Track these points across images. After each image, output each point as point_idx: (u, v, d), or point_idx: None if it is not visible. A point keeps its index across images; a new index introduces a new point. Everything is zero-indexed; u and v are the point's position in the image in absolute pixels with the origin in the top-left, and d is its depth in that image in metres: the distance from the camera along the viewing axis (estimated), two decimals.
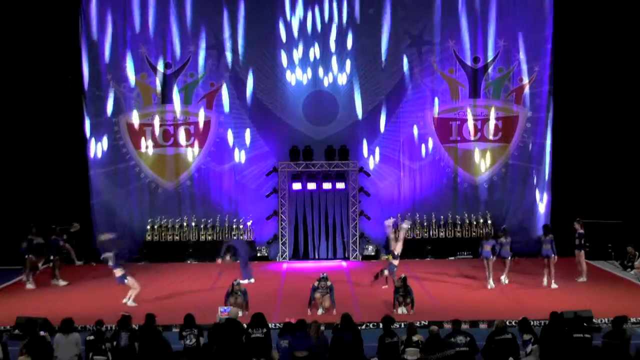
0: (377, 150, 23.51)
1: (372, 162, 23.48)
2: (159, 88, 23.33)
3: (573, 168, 22.94)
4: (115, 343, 12.31)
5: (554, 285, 18.68)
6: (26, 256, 19.36)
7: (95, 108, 23.11)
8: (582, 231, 19.44)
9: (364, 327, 14.81)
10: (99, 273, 20.74)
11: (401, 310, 16.17)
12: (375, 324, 14.97)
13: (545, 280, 18.90)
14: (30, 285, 19.19)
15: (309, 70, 23.42)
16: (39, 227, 19.93)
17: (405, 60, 23.37)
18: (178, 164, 23.60)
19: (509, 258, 19.03)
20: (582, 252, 19.45)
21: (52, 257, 19.66)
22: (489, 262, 18.70)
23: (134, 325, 12.93)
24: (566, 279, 19.52)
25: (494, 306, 16.77)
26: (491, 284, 18.69)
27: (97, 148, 23.05)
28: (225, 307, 15.21)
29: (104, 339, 12.24)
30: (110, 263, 17.33)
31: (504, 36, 23.25)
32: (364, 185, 23.43)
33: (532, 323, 13.08)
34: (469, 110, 23.47)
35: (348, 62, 23.34)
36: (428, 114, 23.58)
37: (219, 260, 19.53)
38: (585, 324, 13.01)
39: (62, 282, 19.58)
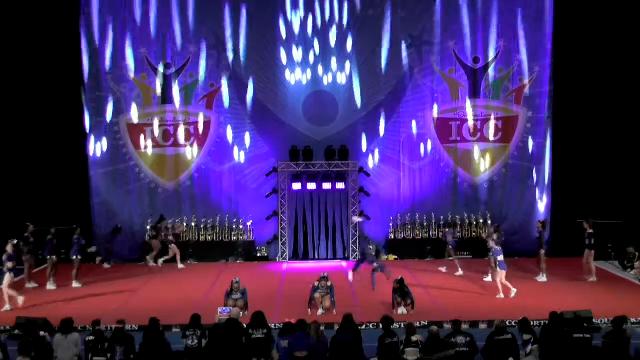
0: (377, 150, 23.51)
1: (372, 162, 23.47)
2: (159, 88, 23.32)
3: (573, 168, 22.94)
4: (110, 355, 12.17)
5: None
6: (48, 257, 19.40)
7: (95, 108, 23.12)
8: (591, 231, 19.43)
9: (363, 327, 14.79)
10: (99, 273, 20.75)
11: (401, 310, 16.17)
12: (375, 324, 14.96)
13: (543, 275, 19.40)
14: (51, 286, 19.10)
15: (309, 70, 23.42)
16: (59, 227, 20.11)
17: (405, 60, 23.38)
18: (178, 164, 23.61)
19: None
20: (592, 252, 19.43)
21: (74, 257, 19.46)
22: (453, 251, 20.47)
23: (134, 325, 12.90)
24: (566, 279, 19.53)
25: (494, 306, 16.75)
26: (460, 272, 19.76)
27: (97, 148, 23.03)
28: (225, 308, 15.20)
29: (104, 340, 12.21)
30: None
31: (504, 36, 23.27)
32: (364, 186, 23.42)
33: (532, 323, 13.07)
34: (469, 110, 23.47)
35: (348, 62, 23.34)
36: (428, 114, 23.58)
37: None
38: (585, 324, 13.00)
39: (76, 284, 19.32)
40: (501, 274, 17.44)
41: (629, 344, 12.01)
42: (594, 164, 22.65)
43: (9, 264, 16.96)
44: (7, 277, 16.90)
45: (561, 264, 21.00)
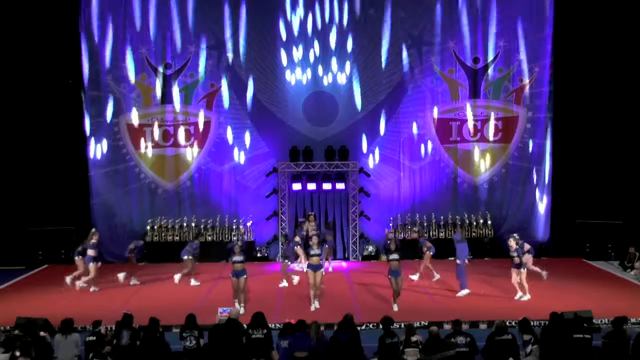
0: (377, 150, 23.50)
1: (372, 163, 23.47)
2: (159, 88, 23.31)
3: (573, 168, 22.94)
4: (115, 341, 12.32)
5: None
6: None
7: (95, 109, 23.09)
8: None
9: (363, 327, 14.81)
10: (101, 274, 20.74)
11: (396, 308, 16.22)
12: (375, 324, 14.97)
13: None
14: (95, 288, 19.19)
15: (309, 70, 23.41)
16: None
17: (405, 60, 23.38)
18: (178, 165, 23.60)
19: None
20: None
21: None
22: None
23: (135, 325, 12.92)
24: (566, 279, 19.54)
25: (494, 306, 16.76)
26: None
27: (97, 148, 23.01)
28: (225, 308, 15.22)
29: (104, 342, 12.21)
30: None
31: (504, 36, 23.26)
32: (364, 186, 23.42)
33: (532, 323, 13.08)
34: (469, 111, 23.47)
35: (348, 63, 23.33)
36: (428, 114, 23.58)
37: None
38: (585, 325, 13.00)
39: (81, 284, 19.30)
40: (523, 273, 17.33)
41: (629, 344, 12.01)
42: (594, 164, 22.65)
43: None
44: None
45: (561, 264, 21.00)
